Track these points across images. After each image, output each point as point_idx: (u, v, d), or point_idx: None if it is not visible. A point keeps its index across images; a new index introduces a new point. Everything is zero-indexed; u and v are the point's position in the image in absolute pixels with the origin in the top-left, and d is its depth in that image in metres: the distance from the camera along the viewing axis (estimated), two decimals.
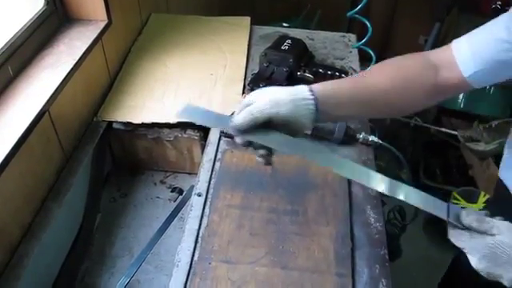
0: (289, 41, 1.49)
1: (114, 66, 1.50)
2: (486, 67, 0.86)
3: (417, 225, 2.27)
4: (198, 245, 1.00)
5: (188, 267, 0.95)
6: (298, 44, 1.50)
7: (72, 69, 1.18)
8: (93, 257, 1.22)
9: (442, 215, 0.75)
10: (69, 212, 1.17)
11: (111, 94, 1.42)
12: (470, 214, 0.74)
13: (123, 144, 1.41)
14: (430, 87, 0.90)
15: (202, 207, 1.08)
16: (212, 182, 1.15)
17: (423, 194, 0.78)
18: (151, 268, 1.20)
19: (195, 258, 0.97)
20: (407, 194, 0.78)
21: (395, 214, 1.88)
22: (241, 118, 0.79)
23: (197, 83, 1.47)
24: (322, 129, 1.26)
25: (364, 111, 0.93)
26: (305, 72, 1.43)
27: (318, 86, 0.84)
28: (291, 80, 1.40)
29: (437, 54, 0.93)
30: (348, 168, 0.83)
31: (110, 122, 1.35)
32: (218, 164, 1.19)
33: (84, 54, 1.24)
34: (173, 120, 1.32)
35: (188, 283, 0.92)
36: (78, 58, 1.21)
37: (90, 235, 1.25)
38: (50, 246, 1.07)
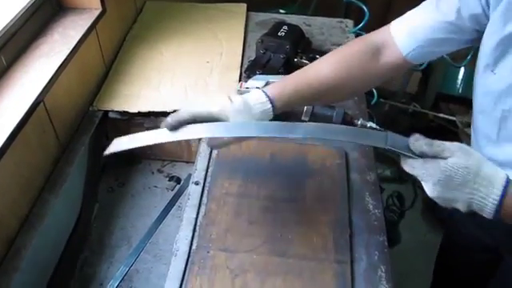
0: (285, 27, 1.48)
1: (109, 55, 1.49)
2: (422, 45, 0.89)
3: (415, 211, 2.27)
4: (196, 234, 0.99)
5: (186, 256, 0.94)
6: (294, 30, 1.49)
7: (66, 58, 1.16)
8: (91, 247, 1.21)
9: (381, 144, 0.74)
10: (66, 202, 1.16)
11: (107, 83, 1.40)
12: (419, 139, 0.72)
13: (120, 133, 1.39)
14: (373, 70, 0.94)
15: (199, 196, 1.08)
16: (209, 171, 1.14)
17: (361, 130, 0.76)
18: (150, 257, 1.19)
19: (193, 246, 0.96)
20: (343, 133, 0.78)
21: (394, 200, 1.88)
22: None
23: (193, 71, 1.46)
24: (320, 115, 1.25)
25: (311, 102, 1.01)
26: (302, 58, 1.42)
27: (272, 90, 0.89)
28: (288, 66, 1.38)
29: (377, 36, 0.95)
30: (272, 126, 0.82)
31: (106, 112, 1.34)
32: (215, 152, 1.19)
33: (78, 42, 1.22)
34: (169, 108, 1.30)
35: (186, 272, 0.92)
36: (72, 47, 1.19)
37: (88, 225, 1.25)
38: (48, 236, 1.07)
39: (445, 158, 0.70)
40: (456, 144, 0.71)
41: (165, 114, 1.32)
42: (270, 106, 0.86)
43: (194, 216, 1.03)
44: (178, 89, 1.38)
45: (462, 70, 2.45)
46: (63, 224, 1.18)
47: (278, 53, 1.40)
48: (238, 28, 1.68)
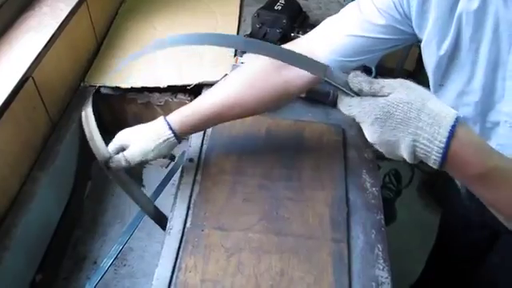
0: (282, 1, 1.44)
1: (100, 29, 1.44)
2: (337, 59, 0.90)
3: (412, 189, 2.26)
4: (190, 212, 0.97)
5: (180, 235, 0.93)
6: (291, 4, 1.45)
7: (56, 32, 1.12)
8: (84, 225, 1.20)
9: (319, 74, 0.68)
10: (57, 180, 1.14)
11: (98, 58, 1.37)
12: (359, 76, 0.65)
13: (112, 109, 1.37)
14: (279, 88, 0.95)
15: (193, 173, 1.06)
16: (204, 148, 1.12)
17: (303, 56, 0.70)
18: (144, 235, 1.18)
19: (187, 225, 0.95)
20: (282, 54, 0.72)
21: (391, 178, 1.86)
22: (116, 163, 0.98)
23: (187, 46, 1.41)
24: (317, 91, 1.22)
25: (219, 122, 1.03)
26: (298, 33, 1.38)
27: (175, 118, 0.98)
28: (285, 41, 1.35)
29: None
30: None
31: (98, 87, 1.30)
32: (209, 129, 1.16)
33: (68, 16, 1.19)
34: (163, 84, 1.28)
35: (180, 251, 0.90)
36: (61, 21, 1.15)
37: (80, 203, 1.23)
38: (39, 215, 1.05)
39: (384, 95, 0.63)
40: (398, 80, 0.64)
41: (158, 90, 1.30)
42: (172, 136, 0.97)
43: (188, 194, 1.01)
44: (171, 64, 1.35)
45: None
46: (55, 202, 1.16)
47: (275, 27, 1.37)
48: (234, 1, 1.63)
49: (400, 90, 0.62)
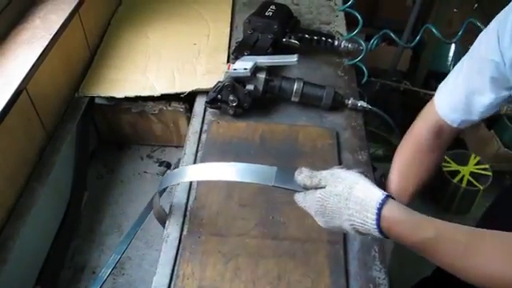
0: (273, 7, 1.44)
1: (93, 40, 1.45)
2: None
3: None
4: (187, 218, 0.98)
5: (177, 242, 0.93)
6: (282, 9, 1.45)
7: (49, 44, 1.13)
8: (82, 235, 1.20)
9: (269, 182, 0.76)
10: (54, 191, 1.14)
11: (92, 68, 1.37)
12: (302, 172, 0.73)
13: (107, 119, 1.38)
14: (439, 151, 0.97)
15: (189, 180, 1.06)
16: (199, 155, 1.12)
17: (250, 167, 0.79)
18: (141, 244, 1.18)
19: (184, 232, 0.95)
20: (230, 173, 0.80)
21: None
22: None
23: (180, 54, 1.43)
24: (310, 95, 1.23)
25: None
26: (290, 38, 1.39)
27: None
28: (277, 47, 1.36)
29: (429, 116, 0.98)
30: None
31: (92, 98, 1.31)
32: (204, 136, 1.17)
33: (61, 28, 1.19)
34: (157, 93, 1.28)
35: (178, 258, 0.91)
36: (54, 33, 1.16)
37: (77, 213, 1.23)
38: (37, 226, 1.05)
39: (322, 187, 0.71)
40: (329, 171, 0.72)
41: (152, 99, 1.30)
42: None
43: (185, 201, 1.01)
44: (165, 72, 1.35)
45: (453, 46, 2.44)
46: (52, 213, 1.16)
47: (266, 33, 1.38)
48: (225, 8, 1.64)
49: (331, 182, 0.70)
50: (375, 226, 0.66)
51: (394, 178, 0.96)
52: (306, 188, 0.73)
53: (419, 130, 0.97)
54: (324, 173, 0.72)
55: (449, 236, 0.65)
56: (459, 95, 0.89)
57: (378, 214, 0.66)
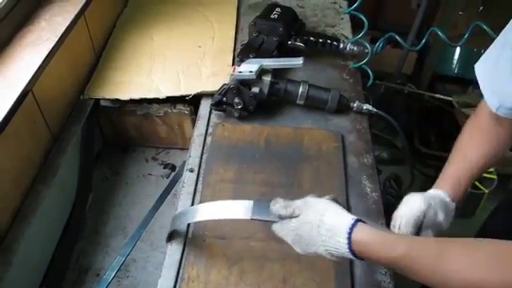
0: (278, 9, 1.45)
1: (99, 42, 1.45)
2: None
3: (412, 192, 2.26)
4: (192, 222, 0.98)
5: (182, 245, 0.93)
6: (287, 12, 1.46)
7: (54, 46, 1.13)
8: (86, 237, 1.20)
9: (246, 216, 0.78)
10: (59, 193, 1.14)
11: (97, 70, 1.38)
12: (277, 203, 0.76)
13: (112, 121, 1.38)
14: (501, 139, 0.91)
15: (194, 183, 1.06)
16: (204, 157, 1.12)
17: (227, 204, 0.82)
18: (146, 246, 1.18)
19: (189, 235, 0.95)
20: (207, 212, 0.84)
21: (391, 183, 1.86)
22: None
23: (185, 56, 1.43)
24: (316, 98, 1.23)
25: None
26: (296, 41, 1.39)
27: (451, 192, 0.89)
28: (282, 49, 1.36)
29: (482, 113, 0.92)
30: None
31: (98, 100, 1.31)
32: (209, 138, 1.17)
33: (66, 30, 1.20)
34: (162, 95, 1.28)
35: (183, 261, 0.91)
36: (60, 35, 1.16)
37: (82, 215, 1.23)
38: (42, 228, 1.05)
39: (296, 217, 0.74)
40: (302, 200, 0.75)
41: (157, 101, 1.31)
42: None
43: (189, 204, 1.01)
44: (170, 74, 1.35)
45: (458, 49, 2.43)
46: (57, 215, 1.17)
47: (271, 35, 1.38)
48: (230, 11, 1.64)
49: (303, 210, 0.73)
50: (348, 251, 0.69)
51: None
52: (281, 218, 0.76)
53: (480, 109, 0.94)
54: (297, 202, 0.75)
55: (419, 251, 0.67)
56: (493, 75, 0.86)
57: (349, 239, 0.68)
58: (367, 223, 0.71)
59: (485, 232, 1.25)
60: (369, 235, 0.69)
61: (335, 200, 0.76)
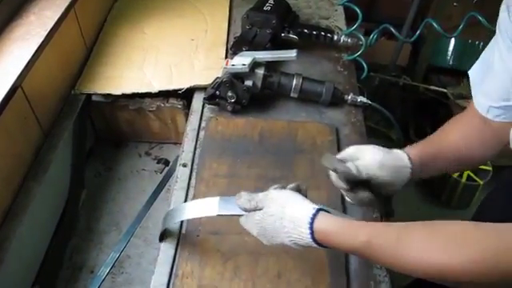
0: (271, 1, 1.43)
1: (89, 36, 1.44)
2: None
3: (408, 184, 2.26)
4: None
5: (176, 241, 0.92)
6: (281, 4, 1.44)
7: (44, 40, 1.11)
8: (80, 234, 1.19)
9: (213, 213, 0.80)
10: (51, 190, 1.13)
11: (88, 65, 1.36)
12: (241, 197, 0.77)
13: (104, 116, 1.36)
14: (486, 139, 0.88)
15: (187, 178, 1.05)
16: (197, 152, 1.11)
17: (194, 202, 0.86)
18: (140, 242, 1.17)
19: (183, 231, 0.94)
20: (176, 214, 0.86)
21: None
22: (347, 169, 0.83)
23: (177, 49, 1.41)
24: (309, 91, 1.22)
25: (447, 168, 0.95)
26: (289, 33, 1.37)
27: (413, 153, 0.87)
28: (275, 42, 1.34)
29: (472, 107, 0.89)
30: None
31: (89, 95, 1.30)
32: (202, 133, 1.15)
33: (56, 24, 1.17)
34: (154, 89, 1.27)
35: (177, 257, 0.90)
36: (49, 29, 1.14)
37: (75, 212, 1.22)
38: (34, 226, 1.04)
39: (260, 209, 0.75)
40: (265, 193, 0.77)
41: (150, 95, 1.29)
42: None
43: (183, 199, 1.00)
44: (162, 68, 1.34)
45: (453, 41, 2.42)
46: (49, 212, 1.15)
47: (265, 28, 1.36)
48: (223, 3, 1.62)
49: (266, 203, 0.75)
50: (311, 240, 0.70)
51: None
52: (246, 211, 0.77)
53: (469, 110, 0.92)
54: (260, 195, 0.77)
55: (380, 236, 0.67)
56: (484, 74, 0.85)
57: (311, 229, 0.70)
58: (329, 212, 0.73)
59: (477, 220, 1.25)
60: (330, 224, 0.70)
61: (298, 188, 0.78)
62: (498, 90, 0.81)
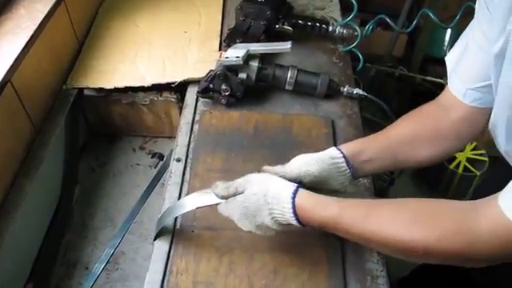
0: None
1: (81, 30, 1.41)
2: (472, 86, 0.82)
3: (405, 177, 2.25)
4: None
5: (170, 237, 0.91)
6: None
7: (34, 34, 1.09)
8: (74, 230, 1.18)
9: (191, 208, 0.83)
10: (44, 186, 1.12)
11: (80, 59, 1.34)
12: (217, 186, 0.79)
13: (97, 111, 1.35)
14: (446, 131, 0.88)
15: (181, 173, 1.03)
16: (191, 146, 1.09)
17: (176, 202, 0.89)
18: (135, 238, 1.16)
19: (177, 226, 0.92)
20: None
21: None
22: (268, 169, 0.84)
23: (170, 42, 1.39)
24: (305, 83, 1.20)
25: (395, 163, 0.92)
26: (283, 25, 1.35)
27: (345, 145, 0.89)
28: (269, 33, 1.33)
29: (444, 97, 0.91)
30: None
31: (81, 89, 1.28)
32: (196, 126, 1.14)
33: (46, 17, 1.15)
34: (147, 83, 1.25)
35: (171, 253, 0.88)
36: (39, 23, 1.12)
37: (69, 208, 1.21)
38: (26, 223, 1.03)
39: (241, 193, 0.77)
40: (244, 177, 0.79)
41: (143, 89, 1.27)
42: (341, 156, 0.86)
43: (177, 195, 0.99)
44: (155, 61, 1.32)
45: (449, 31, 2.41)
46: (42, 209, 1.14)
47: (259, 19, 1.34)
48: None
49: (248, 185, 0.77)
50: (292, 215, 0.73)
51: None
52: (225, 198, 0.79)
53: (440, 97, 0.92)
54: (238, 180, 0.79)
55: (351, 209, 0.72)
56: (461, 58, 0.85)
57: (293, 204, 0.73)
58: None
59: None
60: (308, 199, 0.74)
61: (273, 171, 0.82)
62: (474, 71, 0.80)
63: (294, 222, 0.74)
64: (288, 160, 1.04)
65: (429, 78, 2.29)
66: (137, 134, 1.40)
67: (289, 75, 1.19)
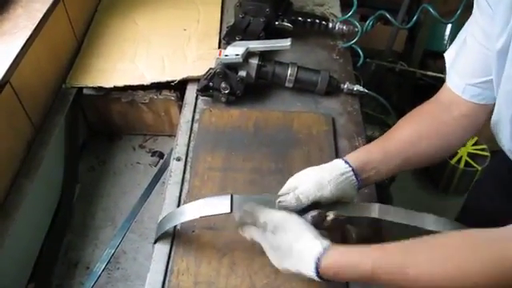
0: None
1: (80, 28, 1.41)
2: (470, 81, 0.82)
3: (406, 172, 2.25)
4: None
5: (171, 237, 0.91)
6: None
7: (32, 34, 1.09)
8: (74, 230, 1.18)
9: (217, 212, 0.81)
10: (44, 186, 1.11)
11: (79, 58, 1.33)
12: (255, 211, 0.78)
13: (97, 110, 1.34)
14: (449, 127, 0.87)
15: (182, 172, 1.03)
16: (191, 145, 1.09)
17: (206, 201, 0.83)
18: (136, 237, 1.16)
19: (178, 226, 0.92)
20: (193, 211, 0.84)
21: None
22: (288, 203, 0.82)
23: (169, 40, 1.39)
24: (305, 80, 1.20)
25: (400, 166, 0.89)
26: (283, 21, 1.35)
27: (351, 156, 0.86)
28: (269, 30, 1.32)
29: (443, 94, 0.90)
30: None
31: (81, 88, 1.27)
32: (196, 125, 1.14)
33: (44, 16, 1.15)
34: (146, 81, 1.25)
35: (172, 254, 0.88)
36: (37, 22, 1.12)
37: (70, 208, 1.21)
38: (27, 223, 1.03)
39: (272, 233, 0.76)
40: (281, 217, 0.76)
41: (142, 88, 1.27)
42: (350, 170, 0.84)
43: (177, 194, 0.99)
44: (154, 60, 1.32)
45: (449, 26, 2.40)
46: (43, 209, 1.14)
47: (258, 16, 1.33)
48: None
49: (279, 231, 0.75)
50: (315, 276, 0.71)
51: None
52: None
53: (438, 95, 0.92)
54: (276, 217, 0.76)
55: (384, 262, 0.68)
56: (460, 53, 0.85)
57: (317, 268, 0.70)
58: (337, 247, 0.72)
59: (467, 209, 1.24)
60: (336, 261, 0.71)
61: (318, 217, 0.79)
62: (474, 67, 0.80)
63: (317, 279, 0.72)
64: (288, 160, 1.04)
65: (429, 73, 2.29)
66: (136, 133, 1.40)
67: (289, 72, 1.19)
